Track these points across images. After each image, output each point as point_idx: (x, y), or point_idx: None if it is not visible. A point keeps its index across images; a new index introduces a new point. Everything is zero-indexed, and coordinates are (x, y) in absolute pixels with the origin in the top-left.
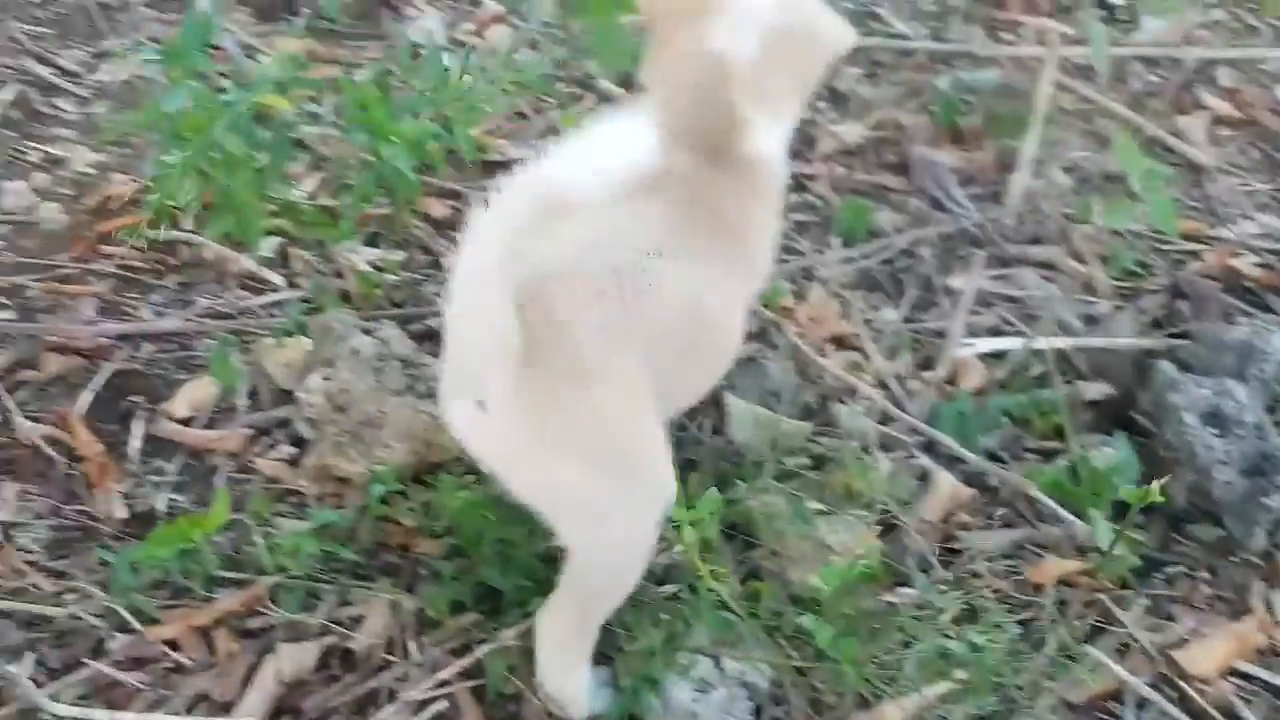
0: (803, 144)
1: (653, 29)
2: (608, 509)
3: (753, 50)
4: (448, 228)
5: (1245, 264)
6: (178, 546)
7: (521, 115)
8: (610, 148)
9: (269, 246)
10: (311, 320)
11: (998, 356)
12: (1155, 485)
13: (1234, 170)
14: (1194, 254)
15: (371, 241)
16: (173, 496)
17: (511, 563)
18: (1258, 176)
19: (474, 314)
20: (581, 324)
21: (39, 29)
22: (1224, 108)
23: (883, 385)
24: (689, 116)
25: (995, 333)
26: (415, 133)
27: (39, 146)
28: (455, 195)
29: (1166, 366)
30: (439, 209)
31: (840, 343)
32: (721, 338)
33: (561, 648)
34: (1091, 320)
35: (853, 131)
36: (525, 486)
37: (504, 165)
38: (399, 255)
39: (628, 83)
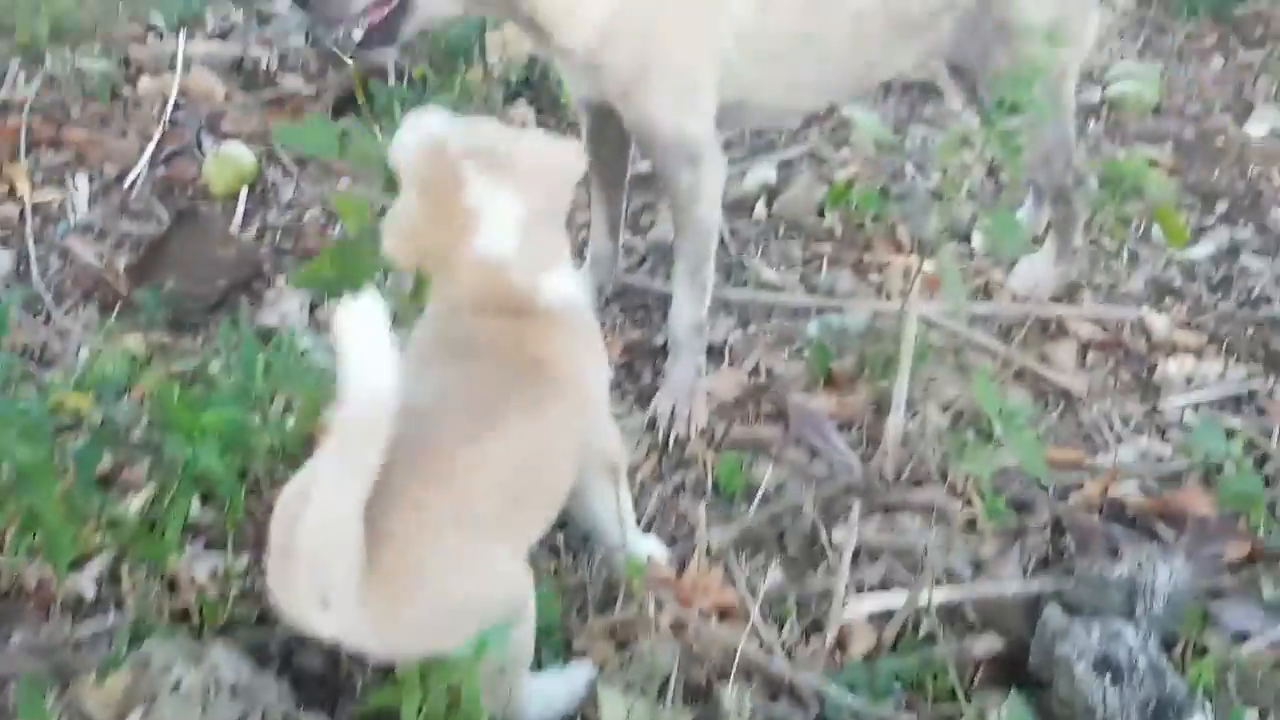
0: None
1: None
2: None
3: (514, 243)
4: None
5: (1127, 491)
6: None
7: None
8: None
9: (99, 565)
10: (136, 649)
11: (887, 615)
12: None
13: (1107, 394)
14: (1077, 485)
15: (218, 544)
16: None
17: None
18: (1130, 400)
19: (315, 522)
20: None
21: None
22: (1091, 332)
23: (769, 654)
24: (485, 300)
25: (883, 586)
26: (226, 427)
27: None
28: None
29: (1053, 613)
30: None
31: (725, 613)
32: (558, 480)
33: None
34: (979, 566)
35: (728, 384)
36: (382, 651)
37: None
38: (244, 561)
39: None
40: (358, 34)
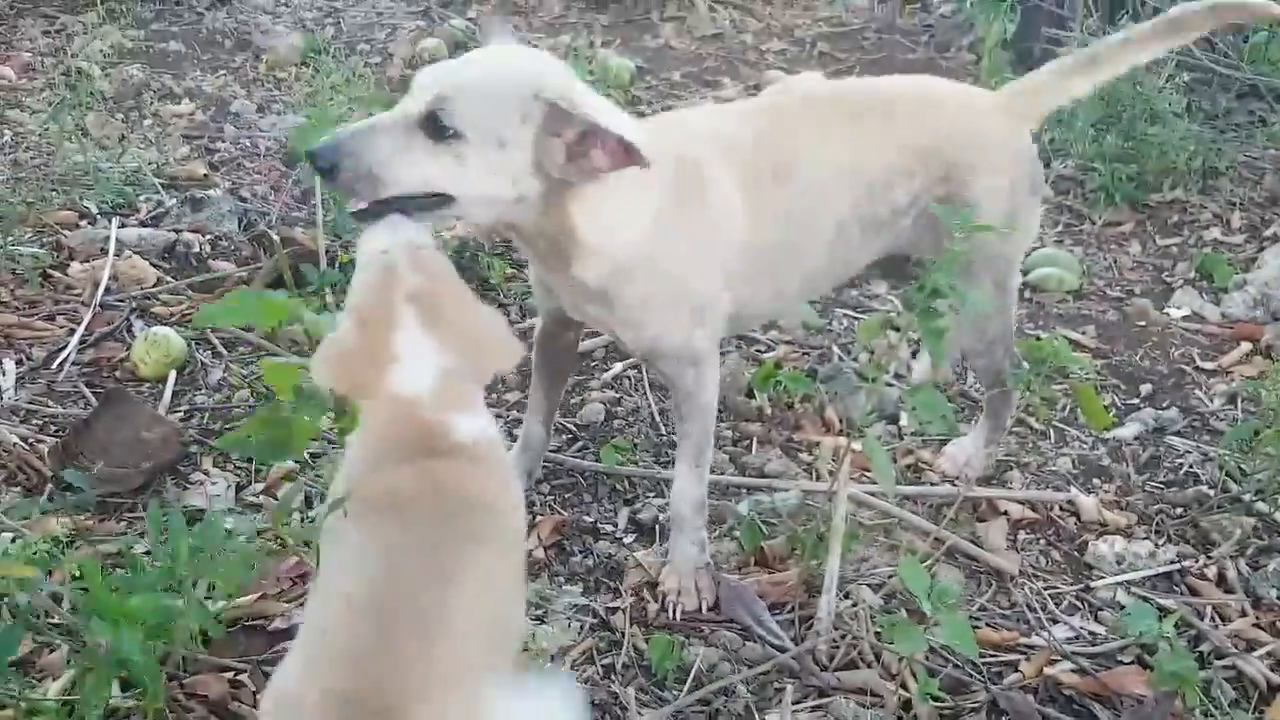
0: (608, 576)
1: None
2: None
3: (429, 384)
4: (221, 709)
5: (1062, 671)
6: None
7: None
8: None
9: None
10: None
11: None
12: None
13: (1039, 574)
14: (1012, 665)
15: None
16: None
17: None
18: (1062, 579)
19: None
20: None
21: None
22: (1021, 512)
23: None
24: (397, 443)
25: None
26: (149, 614)
27: None
28: (233, 670)
29: None
30: (212, 687)
31: None
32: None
33: None
34: None
35: (658, 563)
36: None
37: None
38: None
39: None
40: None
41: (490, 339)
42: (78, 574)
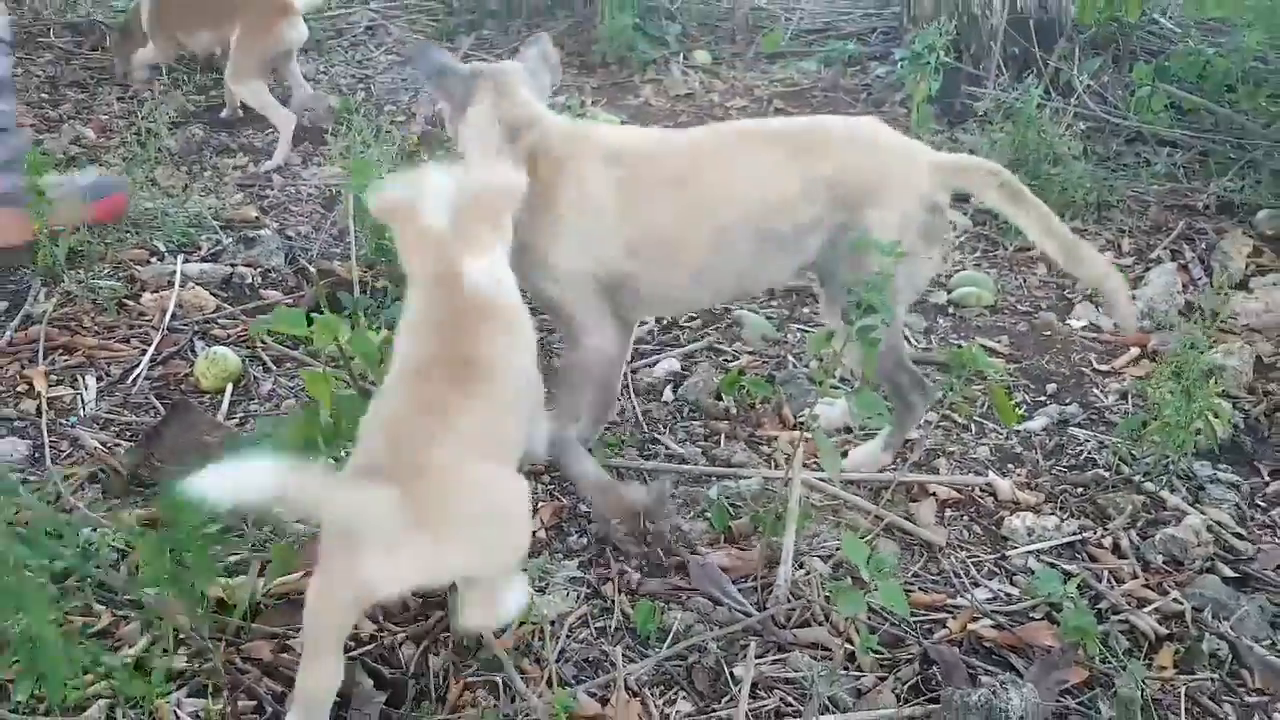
0: (599, 553)
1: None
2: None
3: (446, 218)
4: (273, 670)
5: (983, 627)
6: None
7: None
8: None
9: (98, 710)
10: None
11: None
12: None
13: (962, 545)
14: (940, 623)
15: (199, 692)
16: None
17: None
18: (982, 549)
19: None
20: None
21: None
22: (948, 493)
23: None
24: (426, 267)
25: (778, 715)
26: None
27: None
28: (281, 637)
29: None
30: (264, 651)
31: None
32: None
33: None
34: (860, 694)
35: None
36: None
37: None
38: (219, 704)
39: None
40: None
41: (497, 178)
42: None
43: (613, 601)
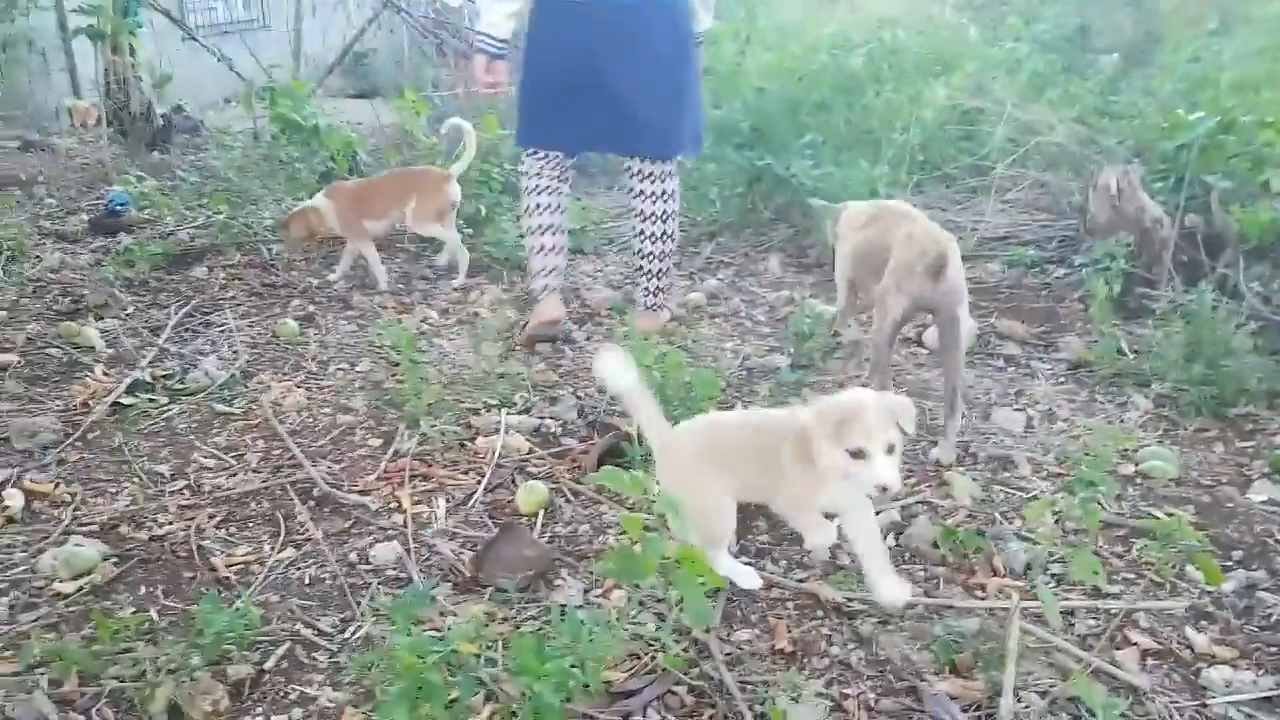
0: (839, 676)
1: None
2: None
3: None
4: None
5: None
6: None
7: (635, 656)
8: None
9: None
10: None
11: None
12: None
13: (1164, 691)
14: None
15: None
16: None
17: None
18: (1183, 696)
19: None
20: None
21: (306, 601)
22: (1148, 643)
23: None
24: None
25: None
26: (557, 673)
27: (297, 687)
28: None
29: None
30: None
31: None
32: None
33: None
34: None
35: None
36: None
37: (622, 694)
38: None
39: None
40: None
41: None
42: (491, 644)
43: (855, 716)
